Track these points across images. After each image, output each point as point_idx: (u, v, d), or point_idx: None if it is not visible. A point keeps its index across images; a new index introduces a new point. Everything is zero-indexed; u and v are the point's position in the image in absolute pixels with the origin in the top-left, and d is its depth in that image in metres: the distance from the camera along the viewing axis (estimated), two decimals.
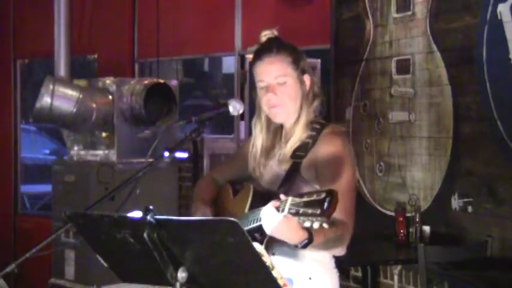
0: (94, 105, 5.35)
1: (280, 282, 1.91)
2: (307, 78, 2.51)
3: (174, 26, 6.19)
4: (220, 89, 10.53)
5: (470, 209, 3.94)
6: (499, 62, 3.78)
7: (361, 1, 4.68)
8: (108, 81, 5.47)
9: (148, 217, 1.91)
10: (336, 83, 4.94)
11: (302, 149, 2.45)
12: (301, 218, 1.98)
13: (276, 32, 2.55)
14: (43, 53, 7.05)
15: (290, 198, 2.01)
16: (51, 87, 5.25)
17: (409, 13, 4.35)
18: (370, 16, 4.64)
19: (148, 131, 5.32)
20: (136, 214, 1.98)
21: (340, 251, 2.41)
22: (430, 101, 4.22)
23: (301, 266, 2.41)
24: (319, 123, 2.50)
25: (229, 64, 7.41)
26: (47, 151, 10.05)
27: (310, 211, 1.95)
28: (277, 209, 2.04)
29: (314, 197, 1.96)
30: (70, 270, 5.44)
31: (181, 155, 2.52)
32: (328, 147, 2.41)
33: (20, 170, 7.54)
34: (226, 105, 2.54)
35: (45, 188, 7.11)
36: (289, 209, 1.99)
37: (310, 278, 2.42)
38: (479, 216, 3.88)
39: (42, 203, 8.31)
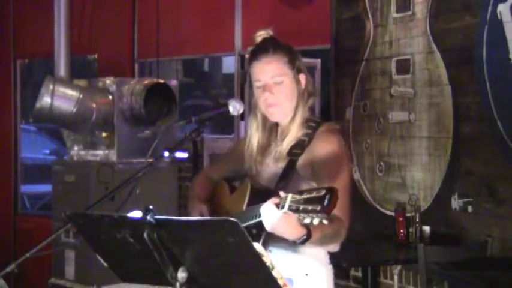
0: (94, 105, 5.35)
1: (280, 282, 1.91)
2: (302, 78, 2.54)
3: (174, 26, 6.19)
4: (220, 89, 10.52)
5: (470, 209, 3.94)
6: (499, 62, 3.78)
7: (361, 1, 4.68)
8: (108, 81, 5.46)
9: (148, 217, 1.91)
10: (336, 83, 4.94)
11: (298, 147, 2.47)
12: (301, 214, 2.00)
13: (271, 32, 2.57)
14: (43, 53, 7.05)
15: (290, 195, 2.04)
16: (51, 87, 5.25)
17: (409, 13, 4.35)
18: (370, 16, 4.63)
19: (148, 131, 5.32)
20: (136, 214, 1.99)
21: (334, 247, 2.46)
22: (430, 101, 4.22)
23: (298, 262, 2.45)
24: (315, 121, 2.52)
25: (229, 64, 7.41)
26: (47, 151, 10.03)
27: (310, 208, 1.98)
28: (277, 205, 2.07)
29: (314, 194, 1.99)
30: (70, 270, 5.44)
31: (181, 155, 2.53)
32: (324, 145, 2.44)
33: (20, 170, 7.53)
34: (226, 105, 2.54)
35: (45, 188, 7.11)
36: (289, 206, 2.02)
37: (306, 274, 2.45)
38: (479, 216, 3.88)
39: (42, 203, 8.30)
